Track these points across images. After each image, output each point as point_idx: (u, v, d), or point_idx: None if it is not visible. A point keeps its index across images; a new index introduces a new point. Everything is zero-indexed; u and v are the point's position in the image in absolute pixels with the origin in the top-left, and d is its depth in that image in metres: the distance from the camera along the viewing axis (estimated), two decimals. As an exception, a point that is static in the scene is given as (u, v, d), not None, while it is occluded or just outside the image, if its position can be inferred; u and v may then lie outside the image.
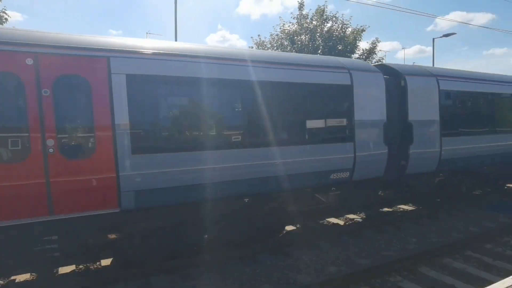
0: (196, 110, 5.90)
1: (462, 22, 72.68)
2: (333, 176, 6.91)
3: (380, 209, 9.71)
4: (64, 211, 4.78)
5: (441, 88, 8.30)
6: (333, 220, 8.64)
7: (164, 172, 5.38)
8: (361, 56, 18.26)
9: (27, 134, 4.57)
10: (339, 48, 17.60)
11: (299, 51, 18.29)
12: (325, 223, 8.56)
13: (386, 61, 22.51)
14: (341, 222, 8.53)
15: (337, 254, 6.60)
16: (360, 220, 8.76)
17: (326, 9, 18.23)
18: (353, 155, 7.04)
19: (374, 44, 18.28)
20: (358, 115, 7.08)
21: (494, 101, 9.77)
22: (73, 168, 4.82)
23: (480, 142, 9.11)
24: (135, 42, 5.56)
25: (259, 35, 18.35)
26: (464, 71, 9.91)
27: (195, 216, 5.96)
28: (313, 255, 6.50)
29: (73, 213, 4.85)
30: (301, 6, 18.27)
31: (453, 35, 18.13)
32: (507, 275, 3.96)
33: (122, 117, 5.04)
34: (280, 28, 18.64)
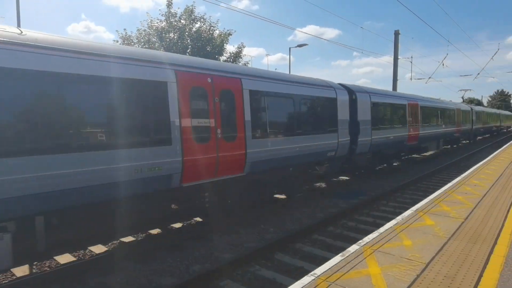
0: (277, 112, 9.13)
1: (315, 36, 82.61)
2: (328, 154, 10.81)
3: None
4: (222, 174, 7.45)
5: (372, 100, 13.03)
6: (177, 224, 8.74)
7: (266, 150, 8.45)
8: (228, 59, 19.05)
9: (209, 125, 7.05)
10: (208, 49, 17.99)
11: (168, 48, 17.93)
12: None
13: (251, 65, 24.01)
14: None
15: (202, 253, 6.70)
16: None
17: (194, 9, 18.41)
18: (337, 141, 11.06)
19: (240, 48, 19.31)
20: (339, 116, 11.21)
21: (397, 108, 15.58)
22: (229, 147, 7.44)
23: (391, 133, 14.51)
24: (253, 71, 8.91)
25: (125, 29, 17.22)
26: (382, 89, 15.84)
27: (278, 177, 9.40)
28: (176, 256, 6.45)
29: (224, 176, 7.51)
30: (169, 4, 17.94)
31: (307, 46, 20.70)
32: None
33: (248, 116, 7.94)
34: (148, 24, 17.93)
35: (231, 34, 19.02)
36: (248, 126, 7.88)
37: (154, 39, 17.68)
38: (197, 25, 18.42)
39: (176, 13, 18.10)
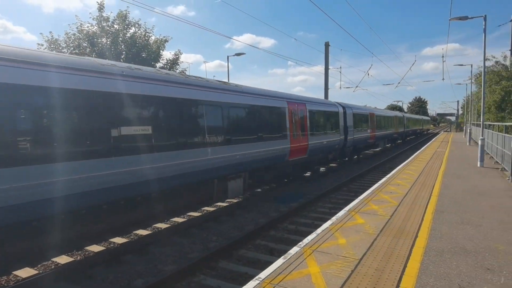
0: (317, 121, 15.53)
1: (251, 45, 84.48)
2: (336, 146, 17.28)
3: (188, 213, 10.20)
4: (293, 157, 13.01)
5: (353, 112, 19.94)
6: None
7: (316, 142, 14.65)
8: (165, 66, 18.70)
9: (287, 132, 12.69)
10: (143, 56, 17.49)
11: (100, 54, 17.08)
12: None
13: (189, 72, 23.80)
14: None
15: (144, 266, 6.51)
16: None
17: (128, 14, 17.78)
18: (339, 138, 17.44)
19: (177, 55, 19.06)
20: (340, 123, 17.76)
21: (366, 117, 22.81)
22: (296, 141, 13.00)
23: (362, 134, 21.57)
24: (311, 99, 15.62)
25: (51, 32, 15.87)
26: (357, 105, 23.24)
27: (318, 158, 15.73)
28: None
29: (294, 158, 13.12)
30: (101, 8, 17.10)
31: (244, 55, 21.13)
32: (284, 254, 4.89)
33: (309, 126, 14.14)
34: (77, 28, 16.88)
35: (167, 41, 18.71)
36: (309, 131, 14.23)
37: (85, 44, 16.70)
38: (131, 31, 17.81)
39: (108, 18, 17.32)
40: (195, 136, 8.42)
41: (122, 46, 17.53)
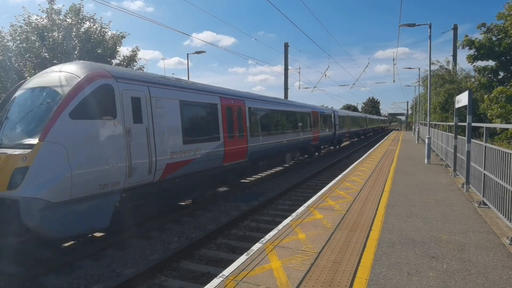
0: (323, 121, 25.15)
1: (211, 43, 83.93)
2: (326, 139, 25.79)
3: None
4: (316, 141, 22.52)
5: (339, 115, 29.29)
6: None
7: (259, 144, 13.76)
8: (122, 63, 18.08)
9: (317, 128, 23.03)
10: (99, 51, 16.77)
11: (52, 49, 16.16)
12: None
13: (147, 69, 23.23)
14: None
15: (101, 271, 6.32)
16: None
17: (82, 8, 16.94)
18: (333, 132, 26.94)
19: (134, 52, 18.48)
20: (335, 122, 27.46)
21: (344, 117, 32.56)
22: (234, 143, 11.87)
23: (342, 130, 30.40)
24: (323, 109, 27.25)
25: (-7, 23, 14.65)
26: (341, 109, 38.55)
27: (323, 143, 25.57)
28: (74, 278, 5.94)
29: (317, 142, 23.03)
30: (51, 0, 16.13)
31: (204, 53, 20.97)
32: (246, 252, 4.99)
33: (248, 124, 13.05)
34: (24, 20, 15.80)
35: (124, 37, 18.06)
36: (248, 129, 13.57)
37: (34, 38, 15.67)
38: (86, 25, 16.99)
39: (60, 10, 16.39)
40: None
41: (76, 41, 16.67)
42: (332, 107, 32.96)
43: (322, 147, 25.86)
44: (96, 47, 16.95)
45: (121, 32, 18.39)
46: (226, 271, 4.21)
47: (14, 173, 5.80)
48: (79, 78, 6.74)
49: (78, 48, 16.73)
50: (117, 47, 17.92)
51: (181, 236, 8.12)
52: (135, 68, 18.59)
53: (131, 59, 18.45)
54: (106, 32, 17.75)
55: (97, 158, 6.60)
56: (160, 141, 8.19)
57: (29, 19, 15.92)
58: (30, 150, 5.89)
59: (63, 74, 6.94)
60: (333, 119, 26.74)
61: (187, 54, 21.65)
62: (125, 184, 7.18)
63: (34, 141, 5.99)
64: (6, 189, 5.79)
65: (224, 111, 11.27)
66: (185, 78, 20.79)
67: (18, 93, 7.40)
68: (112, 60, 17.87)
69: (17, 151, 5.98)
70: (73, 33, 16.76)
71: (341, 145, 32.80)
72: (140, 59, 19.68)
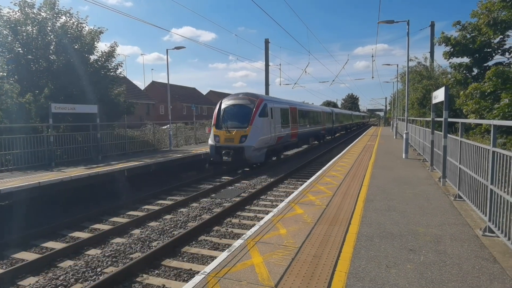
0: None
1: (191, 39, 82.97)
2: (329, 130, 35.60)
3: (128, 213, 9.84)
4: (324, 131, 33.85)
5: (334, 112, 40.44)
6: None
7: (301, 130, 23.46)
8: (100, 58, 17.63)
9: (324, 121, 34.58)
10: (76, 47, 16.28)
11: (25, 44, 15.61)
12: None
13: (125, 65, 22.86)
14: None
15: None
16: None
17: (58, 1, 16.38)
18: (332, 126, 37.36)
19: (113, 47, 18.03)
20: (333, 119, 38.36)
21: (338, 114, 43.52)
22: (293, 129, 22.05)
23: (337, 124, 41.05)
24: (325, 108, 38.65)
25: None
26: (337, 108, 58.46)
27: (304, 138, 25.90)
28: (51, 279, 5.80)
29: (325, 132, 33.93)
30: (24, -8, 15.51)
31: (184, 49, 20.65)
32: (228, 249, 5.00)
33: (298, 119, 23.18)
34: (-5, 13, 15.14)
35: (102, 32, 17.55)
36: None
37: (6, 32, 15.06)
38: (62, 20, 16.45)
39: (34, 4, 15.78)
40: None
41: (52, 36, 16.13)
42: (331, 107, 47.34)
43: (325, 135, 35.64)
44: (73, 42, 16.47)
45: (99, 27, 17.94)
46: (208, 268, 4.20)
47: (241, 137, 15.22)
48: (257, 100, 16.25)
49: (54, 43, 16.21)
50: (95, 42, 17.46)
51: (162, 233, 8.04)
52: (113, 64, 18.19)
53: (109, 55, 18.02)
54: (83, 27, 17.28)
55: (266, 133, 16.23)
56: (274, 127, 17.33)
57: (0, 12, 15.30)
58: (246, 128, 15.35)
59: (250, 99, 16.36)
60: (332, 116, 38.06)
61: (167, 50, 21.32)
62: (269, 144, 16.84)
63: (248, 125, 15.41)
64: (238, 142, 15.19)
65: (291, 112, 20.84)
66: (165, 73, 20.56)
67: (224, 106, 16.50)
68: (90, 56, 17.42)
69: (242, 129, 15.38)
70: (48, 28, 16.22)
71: (335, 135, 42.58)
72: (119, 54, 19.37)
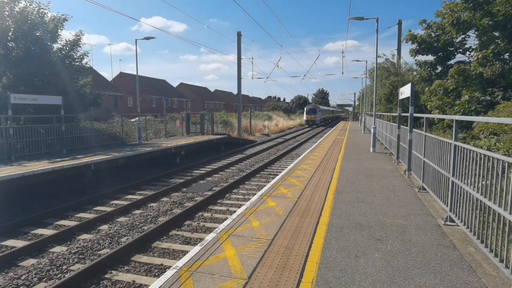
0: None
1: (161, 29, 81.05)
2: (321, 119, 61.25)
3: (95, 209, 9.52)
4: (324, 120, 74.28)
5: (320, 108, 60.55)
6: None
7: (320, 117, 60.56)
8: (65, 47, 16.80)
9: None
10: (37, 34, 15.41)
11: (-20, 30, 14.56)
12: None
13: (92, 55, 21.86)
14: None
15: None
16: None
17: (15, -15, 15.38)
18: (320, 118, 57.05)
19: (78, 36, 17.23)
20: (319, 112, 56.37)
21: (324, 110, 69.47)
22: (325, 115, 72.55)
23: (322, 116, 61.81)
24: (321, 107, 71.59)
25: None
26: (321, 105, 75.66)
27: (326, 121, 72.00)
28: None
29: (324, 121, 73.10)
30: (-22, -26, 14.45)
31: (154, 39, 20.16)
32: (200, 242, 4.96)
33: (319, 112, 61.96)
34: None
35: (66, 20, 16.70)
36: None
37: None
38: (21, 5, 15.49)
39: (-12, -13, 14.76)
40: (326, 114, 69.66)
41: (9, 22, 15.17)
42: (318, 105, 67.56)
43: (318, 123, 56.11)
44: (33, 29, 15.57)
45: (63, 14, 17.04)
46: (180, 262, 4.15)
47: (315, 119, 55.50)
48: (320, 107, 60.90)
49: (12, 29, 15.28)
50: (59, 30, 16.58)
51: (131, 229, 7.86)
52: (78, 53, 17.36)
53: (74, 44, 17.19)
54: (45, 13, 16.35)
55: (319, 117, 56.65)
56: (322, 115, 57.99)
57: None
58: (314, 115, 54.43)
59: (315, 105, 60.23)
60: (318, 111, 54.42)
61: (136, 40, 20.65)
62: (320, 120, 58.29)
63: (315, 115, 54.33)
64: (314, 119, 54.89)
65: (318, 110, 54.82)
66: (134, 64, 20.02)
67: (307, 108, 55.98)
68: (53, 44, 16.56)
69: (314, 115, 54.41)
70: (6, 13, 15.24)
71: (319, 125, 56.11)
72: (85, 44, 18.54)
